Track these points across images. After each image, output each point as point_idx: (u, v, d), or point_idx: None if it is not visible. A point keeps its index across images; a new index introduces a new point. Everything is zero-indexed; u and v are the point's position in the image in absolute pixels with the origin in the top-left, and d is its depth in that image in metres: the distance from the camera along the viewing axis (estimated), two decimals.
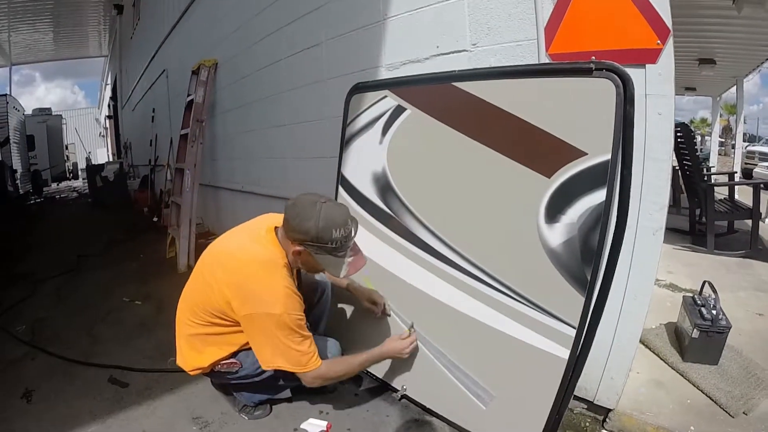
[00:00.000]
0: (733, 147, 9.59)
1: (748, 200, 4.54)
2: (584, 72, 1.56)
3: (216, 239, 2.11)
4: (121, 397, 2.33)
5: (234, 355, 1.95)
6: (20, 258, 5.56)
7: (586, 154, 1.56)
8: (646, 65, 1.70)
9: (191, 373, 2.01)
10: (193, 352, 1.97)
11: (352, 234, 1.80)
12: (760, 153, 14.19)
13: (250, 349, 1.89)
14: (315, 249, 1.77)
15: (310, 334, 1.85)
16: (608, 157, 1.50)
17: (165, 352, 2.65)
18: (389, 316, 2.24)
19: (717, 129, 11.96)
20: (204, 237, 5.22)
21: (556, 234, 1.64)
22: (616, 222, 1.54)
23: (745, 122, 12.56)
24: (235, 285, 1.80)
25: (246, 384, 2.04)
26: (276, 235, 1.89)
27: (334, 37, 2.99)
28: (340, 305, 2.46)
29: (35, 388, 2.42)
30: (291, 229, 1.79)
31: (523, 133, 1.71)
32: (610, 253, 1.56)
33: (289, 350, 1.78)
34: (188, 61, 5.65)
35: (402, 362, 2.13)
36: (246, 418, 2.11)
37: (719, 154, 13.12)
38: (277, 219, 1.96)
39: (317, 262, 1.84)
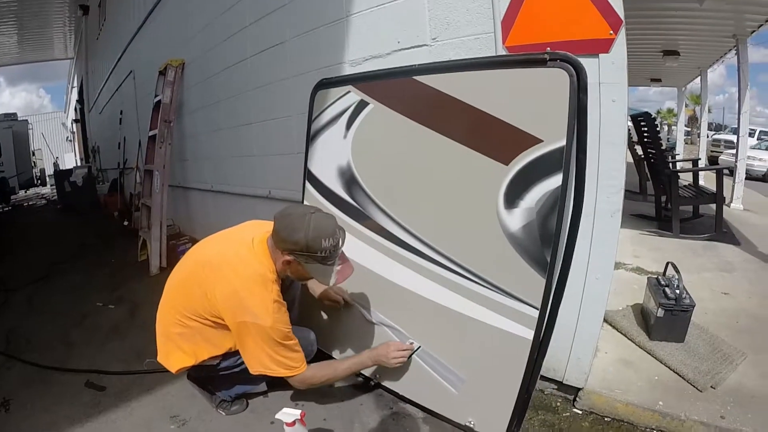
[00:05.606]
0: (699, 136, 9.84)
1: (713, 186, 4.67)
2: (539, 63, 1.61)
3: (202, 242, 2.13)
4: (98, 400, 2.31)
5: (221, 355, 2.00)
6: None
7: (542, 141, 1.61)
8: (600, 55, 1.76)
9: (175, 372, 2.03)
10: (179, 351, 1.99)
11: (340, 243, 1.83)
12: (725, 141, 14.56)
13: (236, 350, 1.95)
14: (305, 258, 1.81)
15: (297, 340, 1.90)
16: (563, 143, 1.56)
17: (140, 354, 2.64)
18: (352, 305, 2.31)
19: (683, 119, 12.23)
20: (175, 238, 5.16)
21: (516, 219, 1.69)
22: (573, 205, 1.60)
23: (710, 112, 12.90)
24: (229, 295, 1.83)
25: (225, 376, 2.05)
26: (267, 246, 1.93)
27: (298, 34, 3.00)
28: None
29: (12, 397, 2.39)
30: (281, 240, 1.83)
31: (482, 123, 1.76)
32: (568, 235, 1.62)
33: (277, 357, 1.84)
34: (155, 61, 5.57)
35: None
36: (223, 413, 2.13)
37: (686, 143, 13.46)
38: (264, 226, 2.00)
39: (306, 271, 1.88)
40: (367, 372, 2.24)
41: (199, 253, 2.06)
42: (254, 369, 1.88)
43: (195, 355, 1.97)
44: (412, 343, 2.05)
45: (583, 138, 1.56)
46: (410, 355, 2.04)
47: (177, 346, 1.99)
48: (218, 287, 1.84)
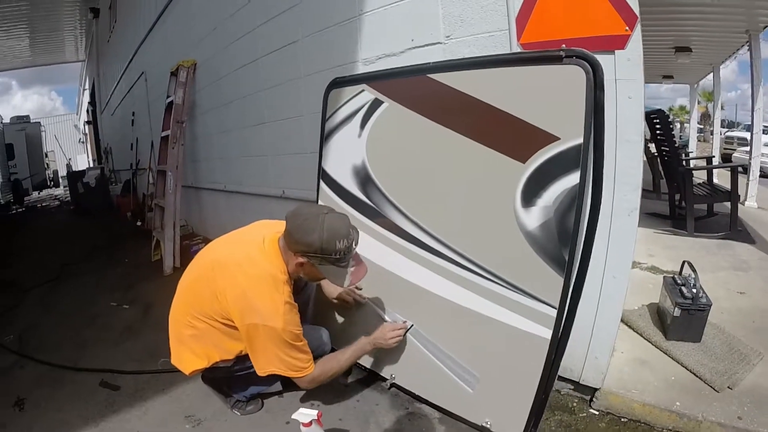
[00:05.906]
0: (712, 133, 9.75)
1: (727, 184, 4.62)
2: (555, 60, 1.61)
3: (213, 243, 2.13)
4: (113, 400, 2.32)
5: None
6: (4, 267, 5.49)
7: (559, 138, 1.60)
8: (616, 51, 1.74)
9: (189, 374, 2.02)
10: (191, 354, 1.98)
11: (354, 244, 1.82)
12: (739, 138, 14.35)
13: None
14: (319, 260, 1.80)
15: (305, 341, 1.89)
16: (580, 141, 1.54)
17: (154, 353, 2.65)
18: (366, 305, 2.31)
19: (695, 116, 12.11)
20: (188, 238, 5.21)
21: (533, 217, 1.68)
22: (591, 203, 1.59)
23: (723, 108, 12.74)
24: (238, 296, 1.82)
25: (239, 376, 2.05)
26: (278, 246, 1.91)
27: (310, 34, 3.01)
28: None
29: (27, 396, 2.41)
30: (294, 241, 1.81)
31: (498, 120, 1.75)
32: (586, 234, 1.60)
33: (286, 359, 1.83)
34: (167, 62, 5.61)
35: (390, 351, 2.16)
36: (238, 414, 2.12)
37: (698, 140, 13.32)
38: (275, 226, 1.99)
39: (319, 273, 1.88)
40: (383, 372, 2.25)
41: (210, 254, 2.06)
42: (262, 370, 1.87)
43: (207, 357, 1.96)
44: (405, 322, 2.09)
45: (600, 135, 1.55)
46: (404, 333, 2.08)
47: (189, 349, 1.98)
48: (228, 288, 1.84)
